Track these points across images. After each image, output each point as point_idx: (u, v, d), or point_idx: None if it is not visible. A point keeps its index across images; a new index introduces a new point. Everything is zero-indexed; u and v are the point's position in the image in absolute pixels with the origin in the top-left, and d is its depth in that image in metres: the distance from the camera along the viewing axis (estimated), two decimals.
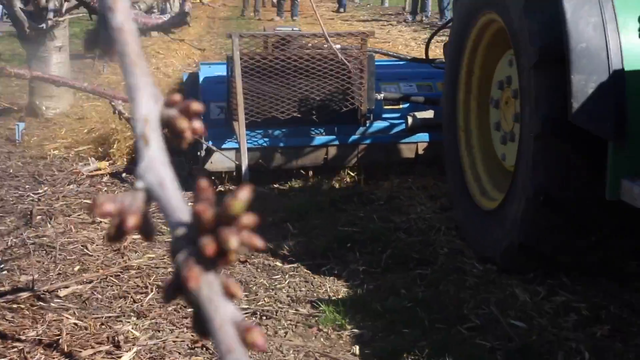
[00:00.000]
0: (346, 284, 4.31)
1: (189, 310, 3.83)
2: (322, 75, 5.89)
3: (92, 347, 3.55)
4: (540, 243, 4.04)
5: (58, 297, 4.08)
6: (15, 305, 3.94)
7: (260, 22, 19.60)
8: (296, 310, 4.01)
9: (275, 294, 4.21)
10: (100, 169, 6.48)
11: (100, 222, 5.26)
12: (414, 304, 4.00)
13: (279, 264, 4.61)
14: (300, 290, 4.24)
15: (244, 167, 5.57)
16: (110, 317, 3.89)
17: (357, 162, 6.13)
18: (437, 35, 6.83)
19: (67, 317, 3.82)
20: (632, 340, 3.58)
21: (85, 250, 4.77)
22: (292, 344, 3.66)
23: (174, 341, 3.67)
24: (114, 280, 4.34)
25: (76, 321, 3.79)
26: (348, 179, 6.10)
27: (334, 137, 6.10)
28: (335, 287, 4.26)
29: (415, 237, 4.91)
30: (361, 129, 6.11)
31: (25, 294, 4.05)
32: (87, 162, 6.61)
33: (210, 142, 5.82)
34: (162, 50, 13.04)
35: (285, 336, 3.75)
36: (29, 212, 5.42)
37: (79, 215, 5.41)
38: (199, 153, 5.92)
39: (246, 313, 3.97)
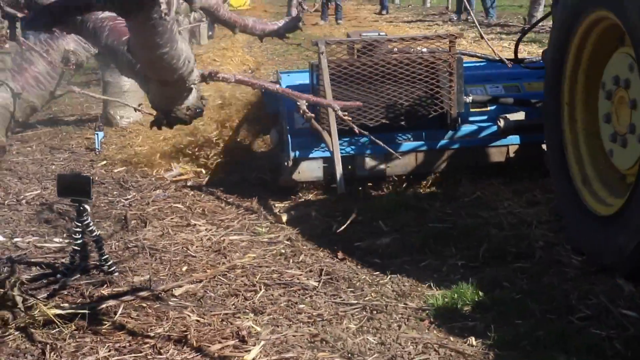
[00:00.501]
0: (448, 278, 4.41)
1: (301, 306, 3.97)
2: (410, 80, 5.79)
3: (220, 342, 3.69)
4: None
5: (174, 296, 4.23)
6: (137, 304, 4.09)
7: (305, 27, 19.77)
8: (405, 304, 4.11)
9: (380, 289, 4.32)
10: (182, 174, 6.64)
11: (195, 224, 5.42)
12: (522, 295, 4.08)
13: (377, 260, 4.71)
14: (404, 285, 4.34)
15: (338, 176, 5.41)
16: (227, 314, 4.02)
17: (446, 167, 6.01)
18: (522, 38, 6.78)
19: (188, 315, 3.97)
20: None
21: (187, 251, 4.92)
22: (408, 336, 3.77)
23: (293, 335, 3.79)
24: (222, 279, 4.48)
25: (198, 318, 3.94)
26: (433, 181, 6.07)
27: (423, 142, 5.98)
28: (438, 282, 4.35)
29: (507, 231, 4.99)
30: (450, 133, 5.98)
31: (143, 294, 4.20)
32: (169, 167, 6.77)
33: (298, 153, 5.81)
34: (218, 57, 13.21)
35: (399, 329, 3.85)
36: (123, 217, 5.60)
37: (172, 218, 5.56)
38: (285, 163, 5.85)
39: (355, 308, 4.09)
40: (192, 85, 2.21)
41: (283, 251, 4.89)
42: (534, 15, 16.42)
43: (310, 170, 5.84)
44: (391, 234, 5.08)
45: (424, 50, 5.88)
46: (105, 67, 8.31)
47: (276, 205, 5.78)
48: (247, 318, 3.97)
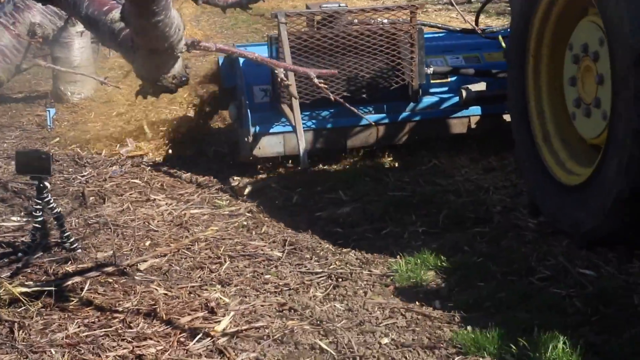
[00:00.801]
0: (409, 245, 4.48)
1: (267, 276, 4.01)
2: (371, 52, 5.65)
3: (189, 314, 3.72)
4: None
5: (139, 270, 4.24)
6: (103, 280, 4.09)
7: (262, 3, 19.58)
8: (369, 271, 4.18)
9: (344, 257, 4.37)
10: (138, 150, 6.60)
11: (155, 199, 5.41)
12: (483, 259, 4.18)
13: (339, 229, 4.76)
14: (368, 253, 4.41)
15: (302, 150, 5.29)
16: (194, 286, 4.05)
17: (407, 140, 5.92)
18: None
19: (155, 289, 3.99)
20: None
21: (149, 226, 4.91)
22: (374, 302, 3.84)
23: (262, 305, 3.84)
24: (187, 252, 4.49)
25: (165, 291, 3.96)
26: (390, 151, 6.05)
27: (384, 115, 5.85)
28: (400, 248, 4.43)
29: (465, 198, 5.08)
30: (411, 105, 5.86)
31: (109, 269, 4.20)
32: (124, 143, 6.72)
33: (258, 128, 5.65)
34: None
35: (365, 295, 3.92)
36: (80, 194, 5.55)
37: (131, 194, 5.54)
38: (245, 139, 5.70)
39: (320, 277, 4.15)
40: (179, 54, 2.22)
41: (245, 223, 4.91)
42: None
43: (271, 145, 5.71)
44: (351, 203, 5.13)
45: (385, 21, 5.76)
46: (54, 42, 8.17)
47: (235, 178, 5.77)
48: (215, 290, 4.00)
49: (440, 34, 6.55)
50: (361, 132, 5.80)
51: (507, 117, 5.67)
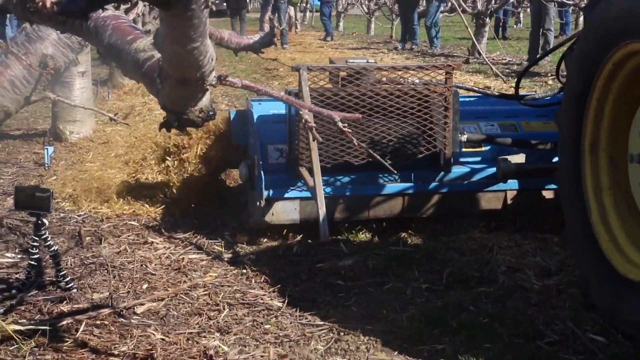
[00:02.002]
0: (413, 301, 4.39)
1: (267, 326, 3.91)
2: (401, 114, 5.21)
3: None
4: None
5: (136, 314, 4.13)
6: (98, 322, 3.97)
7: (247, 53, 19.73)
8: (372, 326, 4.07)
9: (346, 310, 4.27)
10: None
11: (152, 242, 5.31)
12: (488, 319, 4.08)
13: (340, 282, 4.67)
14: (369, 307, 4.31)
15: (321, 220, 4.80)
16: (192, 332, 3.94)
17: (436, 213, 5.48)
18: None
19: (152, 333, 3.87)
20: None
21: (147, 269, 4.81)
22: (377, 358, 3.73)
23: (261, 356, 3.72)
24: (185, 297, 4.38)
25: (163, 337, 3.84)
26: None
27: (411, 184, 5.41)
28: (403, 304, 4.33)
29: (469, 256, 5.00)
30: (441, 174, 5.41)
31: (105, 311, 4.09)
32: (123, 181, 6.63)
33: (271, 192, 5.21)
34: None
35: (368, 351, 3.81)
36: (76, 233, 5.45)
37: (128, 236, 5.44)
38: (257, 203, 5.21)
39: (322, 329, 4.04)
40: (209, 86, 2.16)
41: (244, 271, 4.82)
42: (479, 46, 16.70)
43: (285, 211, 5.25)
44: (353, 256, 5.05)
45: (416, 81, 5.30)
46: (54, 81, 8.14)
47: (234, 225, 5.68)
48: (213, 337, 3.88)
49: (473, 98, 6.13)
50: (385, 201, 5.37)
51: (546, 194, 5.50)
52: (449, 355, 3.76)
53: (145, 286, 4.53)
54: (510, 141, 5.48)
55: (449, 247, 5.14)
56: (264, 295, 4.46)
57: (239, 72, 15.35)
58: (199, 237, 5.43)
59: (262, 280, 4.66)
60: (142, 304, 4.24)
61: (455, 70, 5.28)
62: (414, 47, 20.10)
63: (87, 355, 3.64)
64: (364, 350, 3.82)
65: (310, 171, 4.95)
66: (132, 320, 4.03)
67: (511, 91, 6.15)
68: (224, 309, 4.25)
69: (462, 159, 5.55)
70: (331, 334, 3.99)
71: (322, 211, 4.79)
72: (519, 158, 5.42)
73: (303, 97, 4.97)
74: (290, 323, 4.10)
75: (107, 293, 4.36)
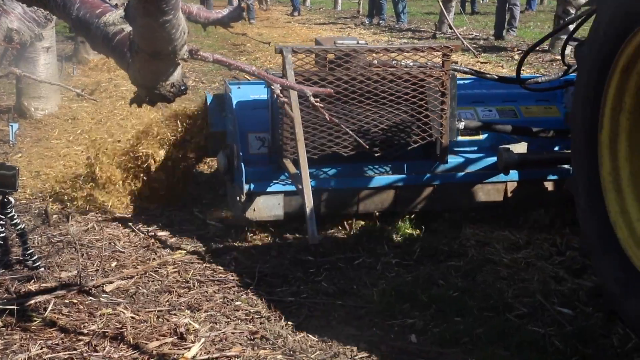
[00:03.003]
0: (383, 276, 4.40)
1: (237, 303, 3.89)
2: (395, 100, 4.73)
3: (158, 339, 3.58)
4: None
5: (105, 292, 4.10)
6: (67, 300, 3.94)
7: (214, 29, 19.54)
8: (343, 302, 4.08)
9: (316, 286, 4.27)
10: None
11: (121, 219, 5.26)
12: (458, 293, 4.10)
13: (311, 257, 4.66)
14: (340, 282, 4.31)
15: (309, 220, 4.20)
16: (162, 310, 3.91)
17: (430, 206, 5.06)
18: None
19: (122, 311, 3.84)
20: None
21: (115, 246, 4.77)
22: (348, 333, 3.74)
23: (232, 332, 3.72)
24: (154, 275, 4.36)
25: (133, 315, 3.82)
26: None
27: (404, 176, 4.97)
28: (373, 279, 4.34)
29: (438, 231, 5.01)
30: (437, 165, 4.98)
31: (73, 289, 4.05)
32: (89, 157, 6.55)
33: (253, 185, 4.74)
34: None
35: (339, 327, 3.82)
36: (43, 211, 5.39)
37: (96, 213, 5.38)
38: (237, 198, 4.80)
39: (293, 305, 4.03)
40: (180, 60, 2.12)
41: (214, 247, 4.79)
42: (445, 22, 16.74)
43: (268, 207, 4.79)
44: (323, 231, 5.03)
45: (410, 63, 4.83)
46: (19, 57, 8.01)
47: (204, 201, 5.65)
48: (184, 315, 3.86)
49: (467, 81, 5.58)
50: (376, 194, 4.95)
51: (548, 185, 5.18)
52: (420, 328, 3.78)
53: (114, 264, 4.50)
54: (511, 128, 5.09)
55: (419, 223, 5.15)
56: (234, 272, 4.44)
57: (206, 47, 15.20)
58: (168, 213, 5.39)
59: (232, 257, 4.64)
60: (111, 282, 4.20)
61: (453, 52, 4.81)
62: (381, 22, 20.03)
63: (56, 335, 3.60)
64: (335, 326, 3.82)
65: (296, 163, 4.49)
66: (101, 299, 4.00)
67: (489, 69, 5.91)
68: (194, 286, 4.24)
69: (457, 148, 5.15)
70: (302, 310, 3.99)
71: (310, 209, 4.21)
72: (520, 147, 5.04)
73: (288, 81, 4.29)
74: (261, 300, 4.09)
75: (76, 271, 4.32)
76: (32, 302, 3.91)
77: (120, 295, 4.08)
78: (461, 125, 4.96)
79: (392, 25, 19.30)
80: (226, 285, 4.26)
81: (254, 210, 4.78)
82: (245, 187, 4.71)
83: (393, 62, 4.82)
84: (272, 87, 2.24)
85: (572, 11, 12.22)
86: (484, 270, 4.41)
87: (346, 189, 4.92)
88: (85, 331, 3.63)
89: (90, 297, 4.01)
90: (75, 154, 6.78)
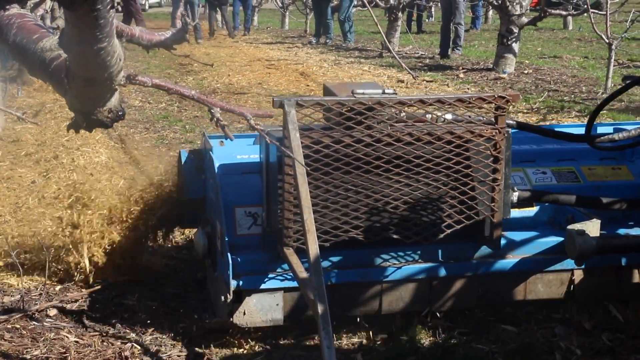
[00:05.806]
0: None
1: (183, 325, 3.87)
2: (431, 168, 3.56)
3: None
4: None
5: (49, 316, 4.05)
6: (9, 325, 3.88)
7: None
8: None
9: None
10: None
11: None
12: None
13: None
14: None
15: (326, 348, 2.88)
16: (107, 334, 3.88)
17: (475, 303, 3.94)
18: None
19: (66, 336, 3.81)
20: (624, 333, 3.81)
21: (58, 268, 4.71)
22: None
23: (178, 356, 3.69)
24: (99, 298, 4.31)
25: (77, 339, 3.78)
26: None
27: (440, 264, 3.78)
28: None
29: None
30: (483, 250, 3.80)
31: (16, 315, 4.00)
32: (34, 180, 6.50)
33: (242, 281, 3.55)
34: None
35: None
36: None
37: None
38: (222, 297, 3.61)
39: None
40: (117, 86, 2.12)
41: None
42: (391, 41, 16.94)
43: (263, 309, 3.62)
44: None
45: (448, 117, 3.71)
46: None
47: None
48: (128, 339, 3.83)
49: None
50: (403, 289, 3.78)
51: (633, 273, 3.99)
52: (365, 348, 3.79)
53: (58, 288, 4.44)
54: (575, 200, 3.92)
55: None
56: (180, 292, 4.42)
57: (153, 68, 15.16)
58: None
59: (180, 278, 4.62)
60: (54, 307, 4.15)
61: (513, 102, 3.67)
62: (328, 41, 20.17)
63: None
64: None
65: (301, 254, 3.34)
66: (45, 324, 3.95)
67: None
68: (138, 309, 4.20)
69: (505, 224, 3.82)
70: None
71: (328, 334, 2.91)
72: (593, 227, 3.79)
73: (292, 145, 3.19)
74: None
75: (19, 296, 4.26)
76: None
77: (65, 320, 4.03)
78: (514, 197, 3.85)
79: (339, 44, 19.43)
80: (172, 305, 4.23)
81: (244, 313, 3.61)
82: (233, 283, 3.52)
83: (427, 116, 3.71)
84: (212, 110, 2.25)
85: (515, 30, 12.47)
86: None
87: (366, 284, 3.74)
88: (28, 357, 3.59)
89: (34, 322, 3.96)
90: (19, 176, 6.70)
